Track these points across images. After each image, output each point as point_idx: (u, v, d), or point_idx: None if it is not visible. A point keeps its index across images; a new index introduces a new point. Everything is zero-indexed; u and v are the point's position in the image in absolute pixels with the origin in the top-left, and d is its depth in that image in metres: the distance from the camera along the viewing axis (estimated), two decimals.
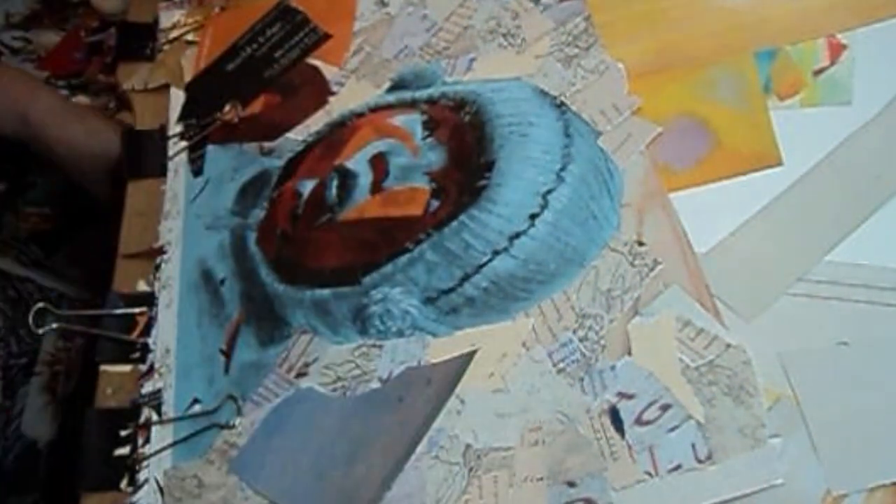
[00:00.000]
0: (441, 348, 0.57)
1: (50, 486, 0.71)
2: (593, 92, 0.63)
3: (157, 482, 0.58)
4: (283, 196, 0.68)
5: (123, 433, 0.63)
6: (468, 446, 0.52)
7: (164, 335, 0.67)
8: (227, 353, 0.63)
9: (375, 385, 0.57)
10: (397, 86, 0.70)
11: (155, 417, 0.62)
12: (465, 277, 0.58)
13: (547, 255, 0.57)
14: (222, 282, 0.67)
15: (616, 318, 0.54)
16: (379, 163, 0.65)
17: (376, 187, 0.64)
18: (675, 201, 0.57)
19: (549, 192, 0.59)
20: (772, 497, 0.46)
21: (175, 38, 0.85)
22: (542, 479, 0.50)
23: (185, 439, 0.59)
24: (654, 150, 0.59)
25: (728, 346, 0.51)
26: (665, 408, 0.50)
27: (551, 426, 0.51)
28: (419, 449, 0.53)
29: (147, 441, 0.62)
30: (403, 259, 0.60)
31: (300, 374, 0.59)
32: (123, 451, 0.62)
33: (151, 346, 0.66)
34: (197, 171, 0.74)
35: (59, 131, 0.76)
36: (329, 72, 0.74)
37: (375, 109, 0.70)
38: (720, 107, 0.60)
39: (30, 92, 0.78)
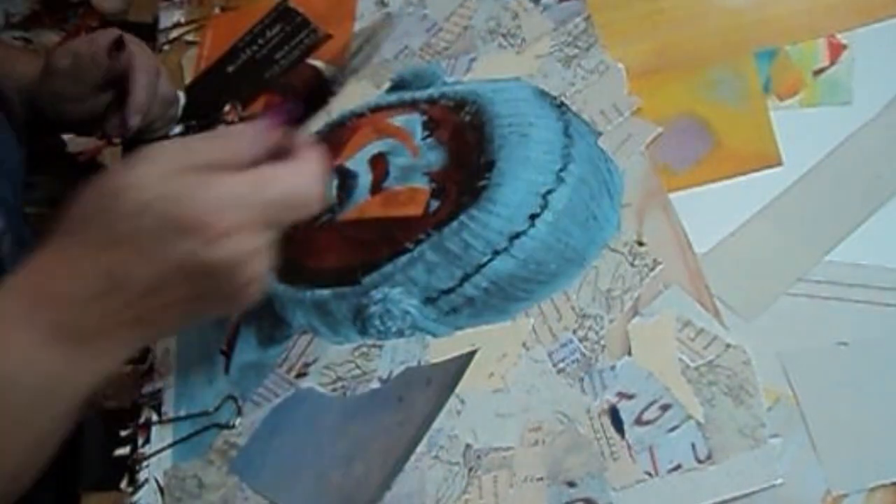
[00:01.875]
0: (441, 348, 0.57)
1: None
2: (593, 92, 0.63)
3: (157, 482, 0.58)
4: None
5: (123, 433, 0.63)
6: (468, 446, 0.52)
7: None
8: (227, 353, 0.63)
9: (375, 385, 0.57)
10: (397, 86, 0.70)
11: (155, 417, 0.62)
12: (465, 277, 0.58)
13: (547, 256, 0.57)
14: None
15: (616, 318, 0.54)
16: (379, 163, 0.65)
17: (376, 187, 0.64)
18: (675, 201, 0.57)
19: (549, 192, 0.59)
20: (772, 497, 0.46)
21: (175, 38, 0.85)
22: (542, 479, 0.50)
23: (185, 439, 0.59)
24: (654, 150, 0.59)
25: (728, 346, 0.51)
26: (665, 408, 0.50)
27: (551, 426, 0.51)
28: (419, 449, 0.53)
29: (147, 441, 0.62)
30: (403, 259, 0.60)
31: (300, 374, 0.59)
32: (123, 451, 0.62)
33: (151, 346, 0.66)
34: None
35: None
36: (329, 72, 0.74)
37: (375, 109, 0.70)
38: (720, 107, 0.60)
39: None
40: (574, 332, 0.54)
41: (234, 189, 0.43)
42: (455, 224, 0.59)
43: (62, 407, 0.46)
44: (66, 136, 0.93)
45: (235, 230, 0.43)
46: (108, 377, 0.48)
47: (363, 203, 0.64)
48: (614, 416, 0.51)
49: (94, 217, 0.44)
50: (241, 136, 0.46)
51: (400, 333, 0.58)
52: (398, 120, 0.67)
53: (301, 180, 0.45)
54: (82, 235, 0.45)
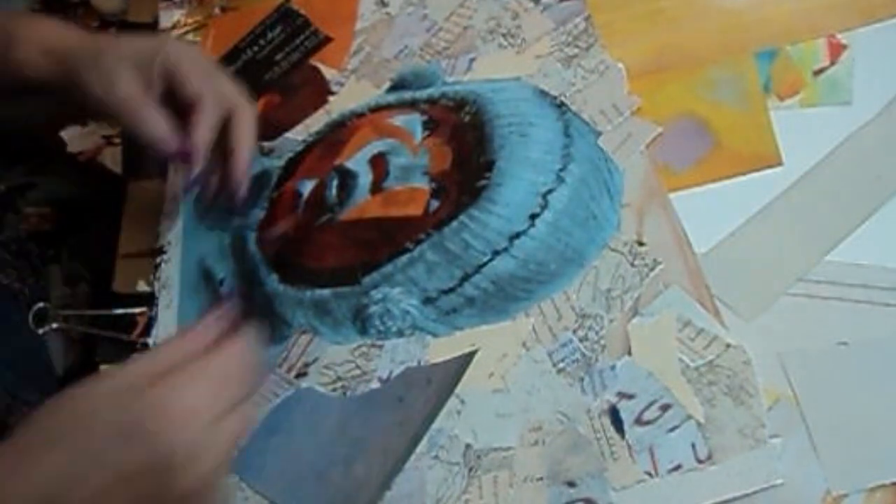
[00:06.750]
0: (441, 348, 0.57)
1: None
2: (593, 92, 0.63)
3: None
4: (283, 196, 0.68)
5: None
6: (468, 446, 0.52)
7: (164, 335, 0.67)
8: None
9: (375, 385, 0.57)
10: (397, 86, 0.70)
11: None
12: (465, 277, 0.58)
13: (547, 255, 0.57)
14: (221, 282, 0.67)
15: (616, 317, 0.54)
16: (379, 163, 0.65)
17: (376, 187, 0.64)
18: (675, 201, 0.57)
19: (549, 192, 0.59)
20: (772, 497, 0.46)
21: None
22: (542, 479, 0.50)
23: None
24: (654, 150, 0.59)
25: (728, 346, 0.51)
26: (665, 408, 0.50)
27: (551, 426, 0.52)
28: (419, 449, 0.53)
29: None
30: (403, 259, 0.60)
31: (300, 374, 0.59)
32: None
33: (151, 346, 0.66)
34: None
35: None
36: (329, 72, 0.74)
37: (375, 109, 0.70)
38: (720, 107, 0.60)
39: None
40: (574, 332, 0.54)
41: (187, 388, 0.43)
42: (455, 224, 0.59)
43: None
44: (66, 136, 0.93)
45: (187, 417, 0.42)
46: None
47: (363, 203, 0.64)
48: (614, 416, 0.51)
49: (43, 421, 0.43)
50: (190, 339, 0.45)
51: (400, 333, 0.58)
52: (398, 120, 0.67)
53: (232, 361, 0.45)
54: (34, 438, 0.43)
